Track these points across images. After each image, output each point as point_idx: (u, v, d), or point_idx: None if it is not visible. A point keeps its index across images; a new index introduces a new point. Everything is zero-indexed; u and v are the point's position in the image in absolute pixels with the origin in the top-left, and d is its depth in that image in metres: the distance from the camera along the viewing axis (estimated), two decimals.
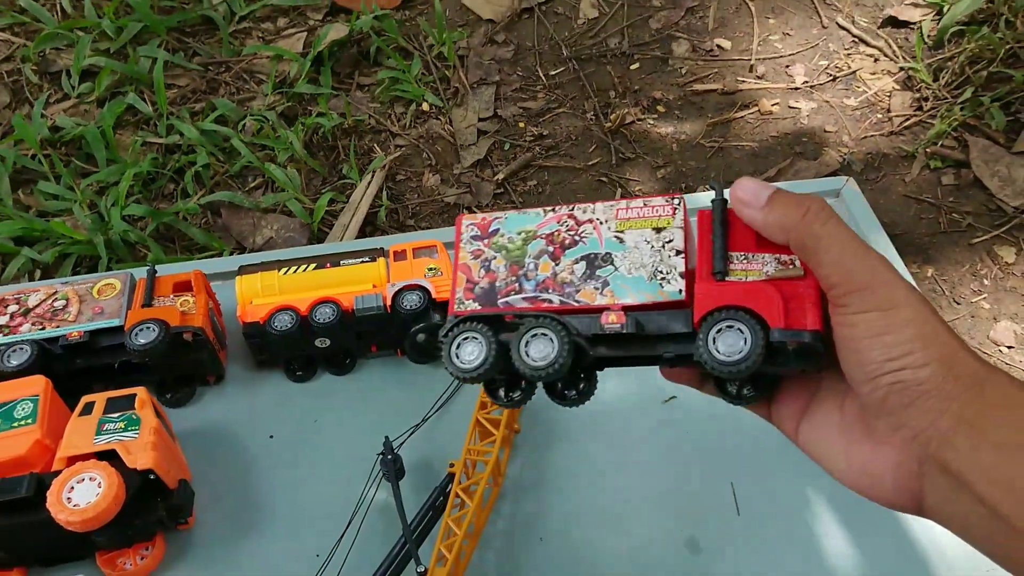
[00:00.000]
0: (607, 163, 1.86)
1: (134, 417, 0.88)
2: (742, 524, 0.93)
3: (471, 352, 0.55)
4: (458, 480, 0.88)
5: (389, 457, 0.90)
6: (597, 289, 0.55)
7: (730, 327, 0.51)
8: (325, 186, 1.75)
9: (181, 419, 1.02)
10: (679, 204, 0.56)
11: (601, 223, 0.58)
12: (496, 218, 0.60)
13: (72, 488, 0.80)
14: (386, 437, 0.92)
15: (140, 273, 1.08)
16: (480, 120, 1.96)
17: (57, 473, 0.82)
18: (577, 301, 0.55)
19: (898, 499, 0.50)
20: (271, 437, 1.02)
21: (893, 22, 2.18)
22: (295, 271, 1.06)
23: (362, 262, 1.07)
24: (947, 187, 1.85)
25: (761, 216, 0.51)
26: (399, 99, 1.98)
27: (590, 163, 1.86)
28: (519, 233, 0.59)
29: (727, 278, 0.53)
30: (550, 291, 0.56)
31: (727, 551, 0.91)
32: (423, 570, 0.80)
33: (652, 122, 1.95)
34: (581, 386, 0.58)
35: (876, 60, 2.10)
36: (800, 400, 0.55)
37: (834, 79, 2.07)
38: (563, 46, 2.12)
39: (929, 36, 2.11)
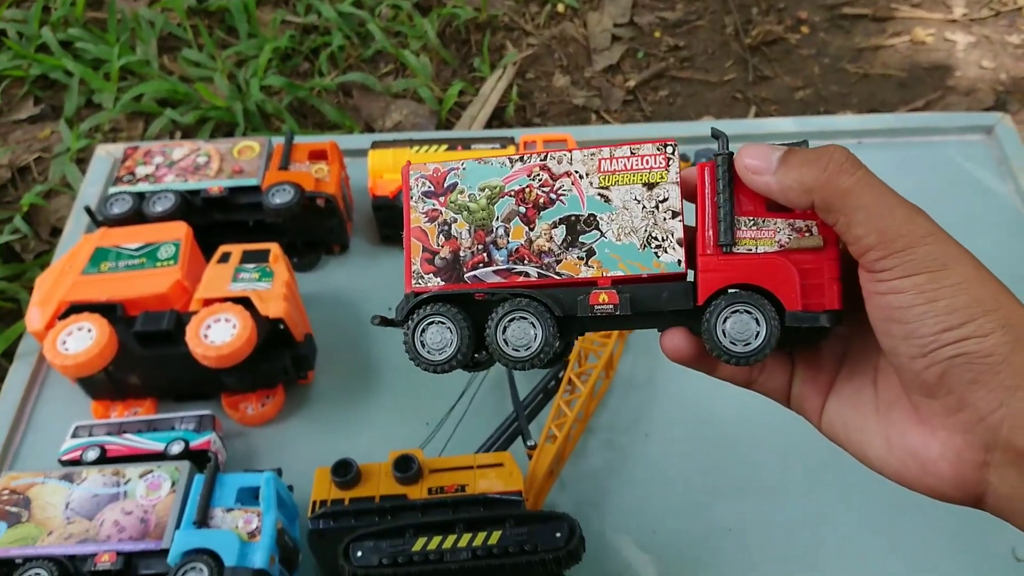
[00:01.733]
0: (743, 80, 1.80)
1: (268, 269, 0.92)
2: None
3: (439, 339, 0.48)
4: (572, 367, 0.89)
5: None
6: (581, 259, 0.48)
7: (737, 311, 0.45)
8: (455, 77, 1.74)
9: (306, 283, 1.05)
10: (673, 153, 0.48)
11: (581, 177, 0.48)
12: (452, 168, 0.50)
13: (209, 327, 0.85)
14: None
15: (277, 140, 1.11)
16: (615, 26, 1.91)
17: (194, 313, 0.87)
18: (559, 274, 0.48)
19: (955, 492, 0.42)
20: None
21: None
22: (426, 150, 1.07)
23: (492, 148, 1.08)
24: None
25: (776, 180, 0.43)
26: None
27: (725, 78, 1.80)
28: (482, 189, 0.49)
29: (735, 249, 0.46)
30: (526, 262, 0.48)
31: (831, 465, 0.90)
32: (533, 444, 0.82)
33: (795, 42, 1.87)
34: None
35: None
36: (825, 375, 0.49)
37: (997, 15, 1.94)
38: None
39: None
